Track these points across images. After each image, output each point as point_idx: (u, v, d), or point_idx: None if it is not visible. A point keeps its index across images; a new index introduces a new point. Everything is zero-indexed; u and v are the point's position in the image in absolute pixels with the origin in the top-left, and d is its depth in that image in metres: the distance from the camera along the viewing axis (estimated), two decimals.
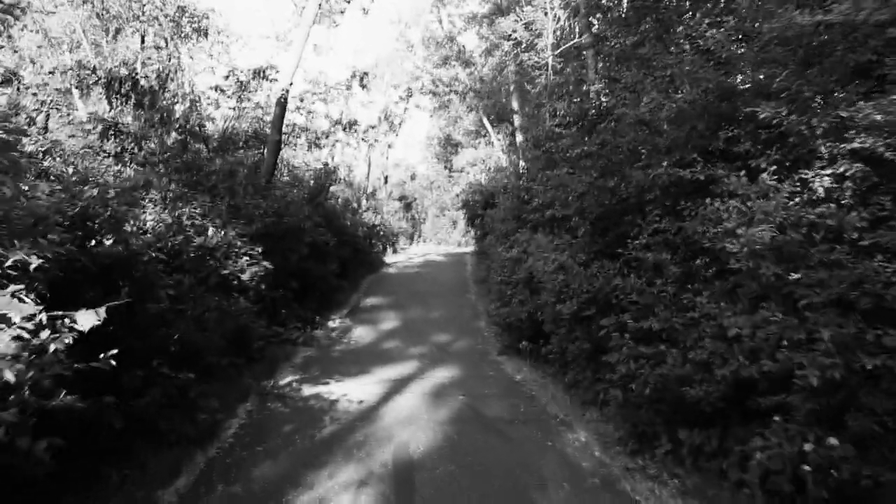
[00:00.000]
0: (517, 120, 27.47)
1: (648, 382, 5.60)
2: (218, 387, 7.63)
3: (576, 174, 8.45)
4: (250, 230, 12.68)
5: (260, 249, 10.06)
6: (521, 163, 25.73)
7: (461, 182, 33.63)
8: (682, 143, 7.00)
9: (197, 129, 13.21)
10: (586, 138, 8.73)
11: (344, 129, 17.67)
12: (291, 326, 12.89)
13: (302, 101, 15.93)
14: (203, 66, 15.67)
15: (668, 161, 6.88)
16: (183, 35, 16.07)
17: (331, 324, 14.49)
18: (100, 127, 9.94)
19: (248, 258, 9.23)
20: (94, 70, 11.30)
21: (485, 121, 33.90)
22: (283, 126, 15.36)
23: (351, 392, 8.36)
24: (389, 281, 21.91)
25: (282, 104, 14.32)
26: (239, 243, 9.23)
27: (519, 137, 27.58)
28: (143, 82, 9.91)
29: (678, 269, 6.35)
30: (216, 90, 14.57)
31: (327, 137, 17.87)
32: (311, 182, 17.28)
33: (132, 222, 6.24)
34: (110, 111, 9.72)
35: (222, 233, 9.00)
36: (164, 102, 9.87)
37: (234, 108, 15.11)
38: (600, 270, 6.99)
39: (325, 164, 17.38)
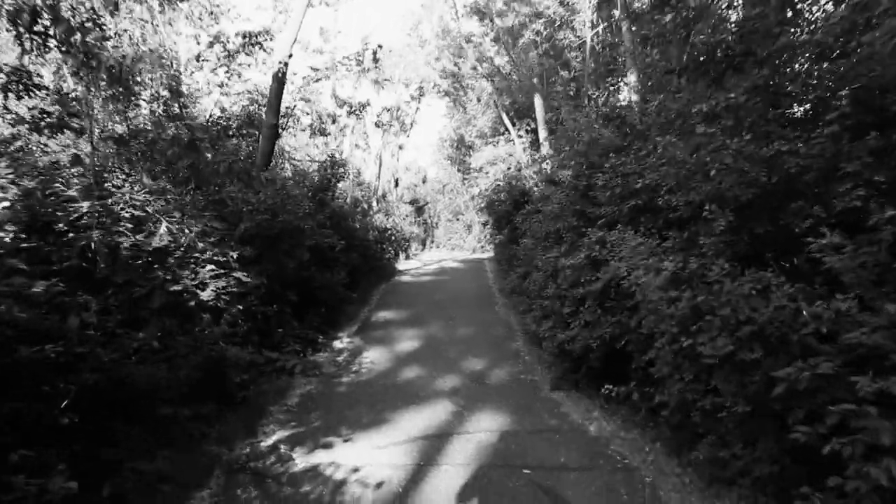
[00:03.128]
0: (539, 112, 25.11)
1: None
2: (164, 463, 5.07)
3: (706, 138, 5.83)
4: (237, 230, 10.24)
5: (234, 255, 7.48)
6: (544, 150, 23.33)
7: (480, 183, 31.10)
8: None
9: (174, 105, 10.75)
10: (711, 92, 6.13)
11: (354, 112, 15.10)
12: (288, 350, 10.40)
13: (304, 79, 13.48)
14: (184, 34, 13.21)
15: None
16: None
17: (337, 344, 11.96)
18: None
19: (213, 267, 6.56)
20: None
21: (504, 117, 31.56)
22: (282, 107, 12.83)
23: (364, 462, 5.80)
24: (404, 291, 19.33)
25: (279, 79, 11.82)
26: (201, 245, 6.58)
27: (542, 133, 25.27)
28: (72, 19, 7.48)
29: None
30: (197, 60, 12.02)
31: (334, 122, 15.36)
32: (316, 175, 14.76)
33: None
34: (22, 55, 7.26)
35: (187, 231, 6.45)
36: (114, 62, 7.44)
37: (221, 85, 12.59)
38: (759, 286, 4.38)
39: (332, 156, 14.90)
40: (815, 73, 5.82)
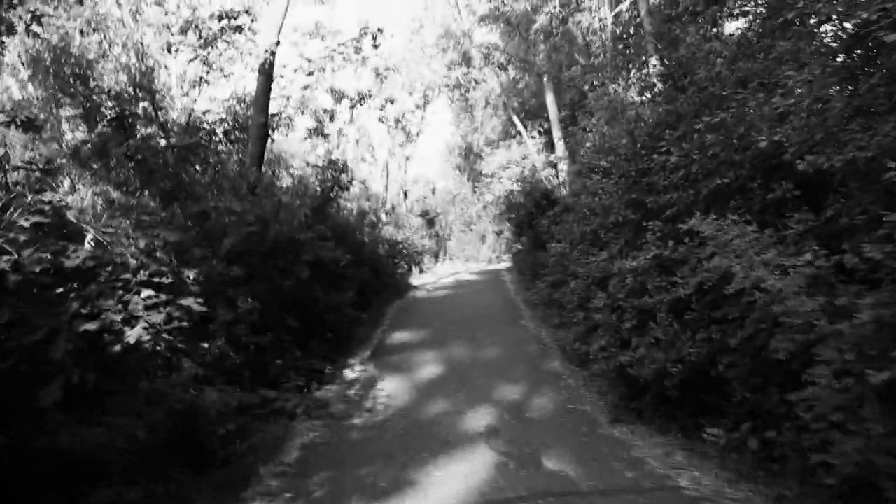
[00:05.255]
0: (552, 111, 23.51)
1: None
2: None
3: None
4: (222, 246, 8.66)
5: (191, 275, 5.80)
6: (559, 150, 21.60)
7: (494, 189, 29.46)
8: None
9: (147, 105, 9.20)
10: None
11: (355, 105, 13.49)
12: (288, 385, 8.78)
13: (295, 72, 11.90)
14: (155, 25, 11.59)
15: None
16: None
17: (348, 373, 10.32)
18: None
19: (151, 293, 4.77)
20: None
21: (515, 119, 30.00)
22: (270, 104, 11.24)
23: None
24: (420, 308, 17.63)
25: (266, 72, 10.25)
26: (133, 263, 4.81)
27: (556, 133, 23.66)
28: None
29: None
30: (169, 51, 10.43)
31: (332, 119, 13.75)
32: (316, 184, 13.14)
33: None
34: None
35: (127, 244, 4.80)
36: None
37: (198, 81, 11.00)
38: None
39: (331, 159, 13.27)
40: None
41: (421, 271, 31.24)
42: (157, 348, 4.12)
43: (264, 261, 9.25)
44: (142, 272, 4.57)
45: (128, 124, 7.75)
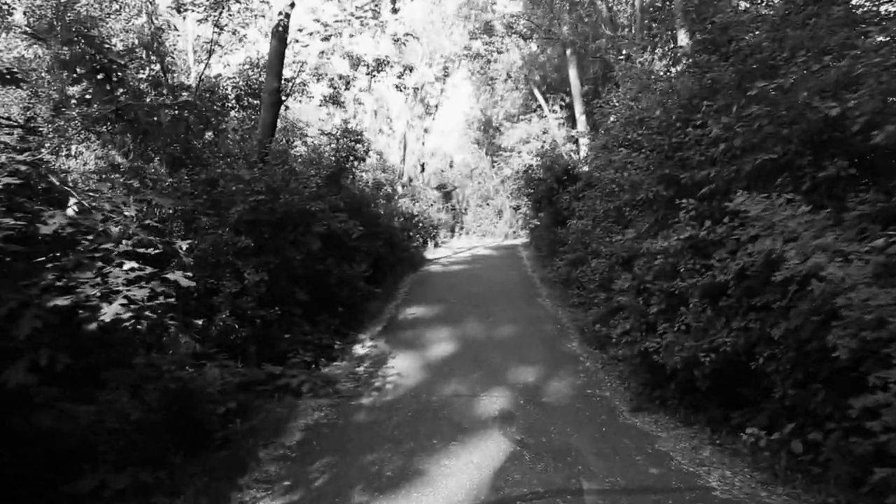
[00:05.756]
0: (575, 85, 22.81)
1: None
2: None
3: None
4: (230, 215, 8.32)
5: (184, 246, 5.36)
6: (580, 125, 20.92)
7: (513, 163, 28.75)
8: None
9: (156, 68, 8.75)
10: None
11: (372, 73, 12.92)
12: (296, 361, 8.46)
13: (311, 35, 11.31)
14: None
15: None
16: None
17: (358, 349, 10.00)
18: None
19: (134, 265, 4.30)
20: None
21: (536, 92, 29.30)
22: (285, 69, 10.75)
23: None
24: (434, 282, 17.23)
25: (279, 35, 9.75)
26: (116, 230, 4.36)
27: (578, 108, 22.98)
28: None
29: None
30: (179, 11, 9.89)
31: (348, 87, 13.17)
32: (331, 153, 12.64)
33: None
34: None
35: (118, 210, 4.39)
36: None
37: (210, 44, 10.51)
38: None
39: (346, 126, 12.76)
40: None
41: (436, 245, 30.84)
42: (139, 327, 3.74)
43: (274, 231, 8.88)
44: (125, 242, 4.14)
45: (115, 77, 7.18)
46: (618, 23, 17.25)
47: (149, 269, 4.13)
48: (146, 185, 8.13)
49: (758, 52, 5.55)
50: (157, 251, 4.36)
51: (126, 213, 4.55)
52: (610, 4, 19.40)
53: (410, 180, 36.94)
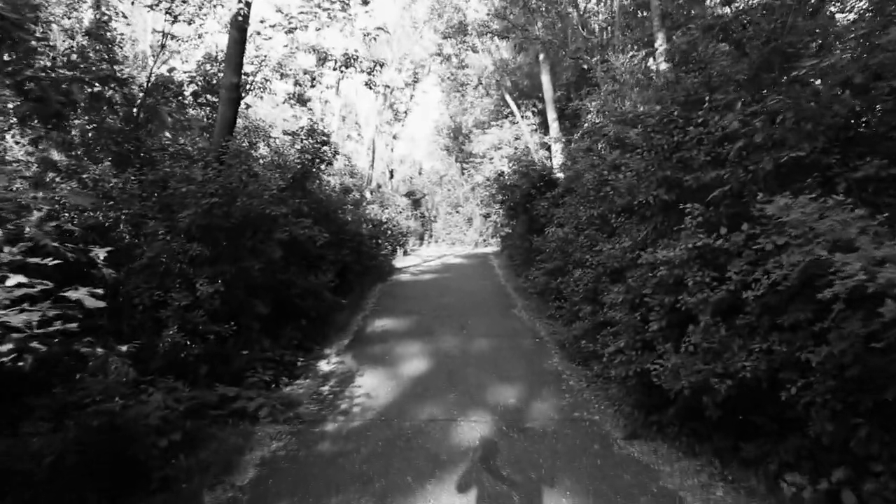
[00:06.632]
0: (547, 91, 22.36)
1: None
2: None
3: None
4: (181, 220, 7.52)
5: (102, 255, 4.53)
6: (553, 131, 20.45)
7: (484, 170, 28.18)
8: None
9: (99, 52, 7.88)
10: None
11: (340, 67, 12.11)
12: (254, 380, 7.64)
13: (273, 27, 10.47)
14: None
15: None
16: None
17: (323, 365, 9.22)
18: None
19: (21, 280, 3.30)
20: None
21: (508, 98, 28.80)
22: (246, 64, 9.90)
23: None
24: (404, 292, 16.48)
25: (239, 25, 8.94)
26: None
27: (551, 114, 22.52)
28: None
29: None
30: None
31: (313, 84, 12.33)
32: (295, 155, 11.85)
33: None
34: None
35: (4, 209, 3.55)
36: None
37: (162, 35, 9.62)
38: None
39: (312, 127, 11.93)
40: None
41: (405, 253, 30.12)
42: (20, 364, 2.92)
43: (231, 238, 8.07)
44: (7, 249, 3.28)
45: (10, 39, 6.15)
46: (591, 28, 16.78)
47: (42, 286, 3.25)
48: (85, 186, 7.30)
49: (775, 39, 4.97)
50: (55, 262, 3.49)
51: (32, 214, 3.72)
52: (581, 11, 19.02)
53: (379, 186, 36.22)
